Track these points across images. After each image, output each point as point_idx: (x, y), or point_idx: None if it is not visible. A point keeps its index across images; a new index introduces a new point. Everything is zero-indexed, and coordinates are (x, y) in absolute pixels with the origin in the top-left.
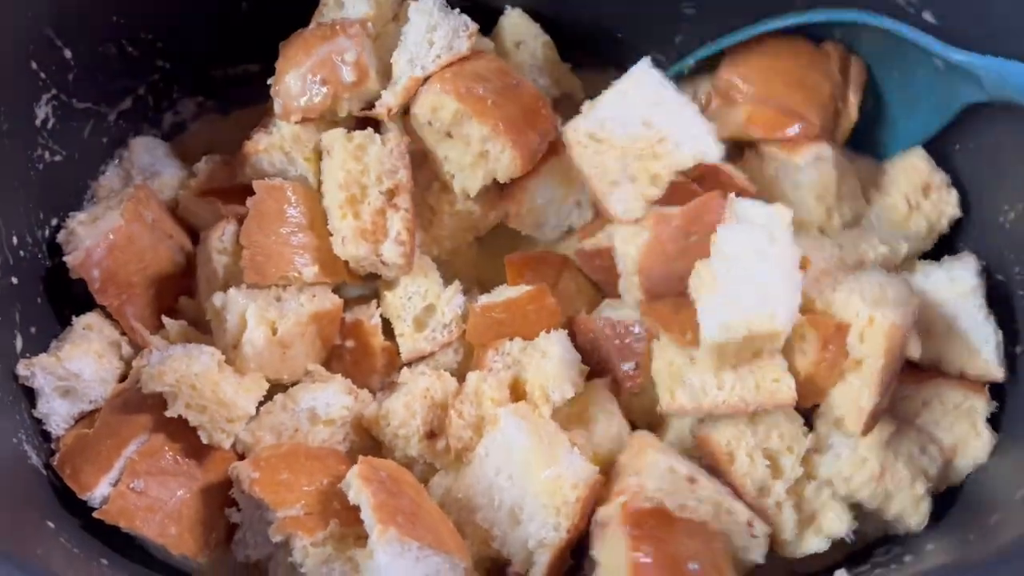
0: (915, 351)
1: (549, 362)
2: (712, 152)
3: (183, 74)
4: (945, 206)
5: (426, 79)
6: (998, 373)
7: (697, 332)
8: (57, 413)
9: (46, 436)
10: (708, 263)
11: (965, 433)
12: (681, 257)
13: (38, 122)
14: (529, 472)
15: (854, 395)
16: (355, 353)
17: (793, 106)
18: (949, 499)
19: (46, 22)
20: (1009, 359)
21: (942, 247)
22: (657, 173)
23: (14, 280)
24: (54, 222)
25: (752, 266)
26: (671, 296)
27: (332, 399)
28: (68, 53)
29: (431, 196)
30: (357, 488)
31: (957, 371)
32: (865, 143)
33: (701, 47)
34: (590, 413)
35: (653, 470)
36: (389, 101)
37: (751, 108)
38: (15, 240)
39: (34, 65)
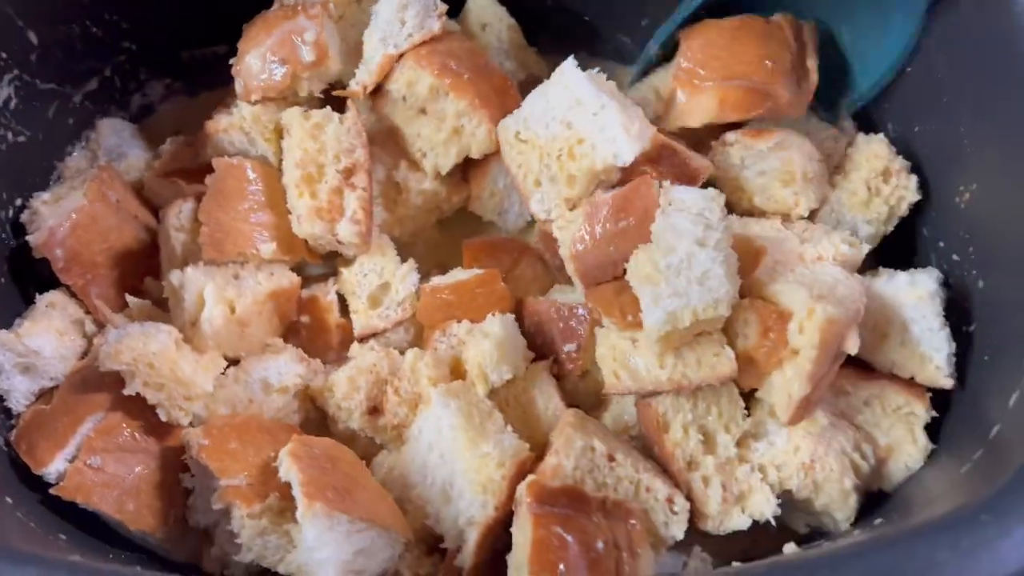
0: (852, 347)
1: (489, 342)
2: (626, 154)
3: (150, 56)
4: (904, 191)
5: (400, 57)
6: (946, 382)
7: (638, 314)
8: (17, 390)
9: (9, 414)
10: (648, 252)
11: (901, 437)
12: (614, 242)
13: (0, 102)
14: (458, 450)
15: (786, 384)
16: (311, 329)
17: (760, 83)
18: (878, 505)
19: (7, 2)
20: (959, 361)
21: (907, 240)
22: (572, 174)
23: None
24: (18, 202)
25: (692, 254)
26: (608, 280)
27: (284, 368)
28: (30, 33)
29: (398, 175)
30: (287, 465)
31: (908, 375)
32: (842, 87)
33: (661, 27)
34: (529, 394)
35: (571, 449)
36: (364, 79)
37: (721, 91)
38: None
39: None
